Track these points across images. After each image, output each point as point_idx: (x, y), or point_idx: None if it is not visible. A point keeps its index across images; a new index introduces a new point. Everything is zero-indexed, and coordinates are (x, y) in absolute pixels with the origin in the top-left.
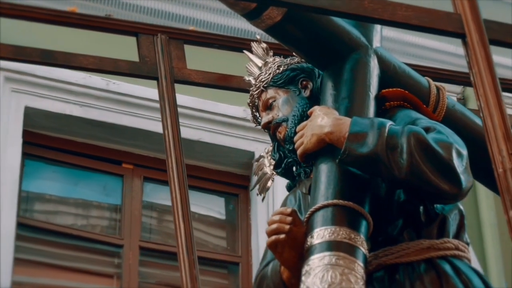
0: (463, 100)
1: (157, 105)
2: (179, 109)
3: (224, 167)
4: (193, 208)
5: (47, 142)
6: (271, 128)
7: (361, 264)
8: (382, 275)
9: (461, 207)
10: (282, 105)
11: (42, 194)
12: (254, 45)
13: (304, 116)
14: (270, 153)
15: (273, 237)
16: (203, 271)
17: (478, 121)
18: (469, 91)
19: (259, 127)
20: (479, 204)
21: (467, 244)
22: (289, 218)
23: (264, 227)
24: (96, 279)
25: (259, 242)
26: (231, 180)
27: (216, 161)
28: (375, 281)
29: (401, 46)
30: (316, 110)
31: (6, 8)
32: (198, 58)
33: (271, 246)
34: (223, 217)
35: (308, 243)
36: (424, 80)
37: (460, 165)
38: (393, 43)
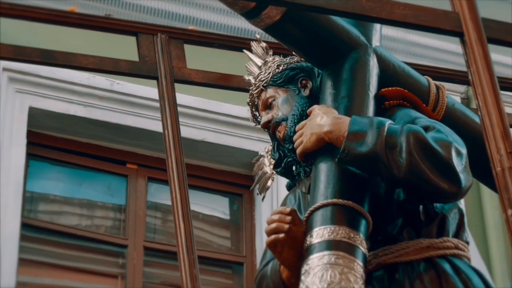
0: (467, 100)
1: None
2: (183, 110)
3: (228, 167)
4: (197, 208)
5: (51, 142)
6: (270, 127)
7: (361, 263)
8: (381, 274)
9: (461, 206)
10: (282, 104)
11: (46, 194)
12: (253, 44)
13: (303, 115)
14: (270, 152)
15: (273, 237)
16: (207, 271)
17: (478, 120)
18: None
19: (259, 126)
20: (483, 204)
21: (467, 243)
22: (289, 218)
23: None
24: (100, 279)
25: (264, 242)
26: (235, 180)
27: (220, 161)
28: (374, 280)
29: (403, 46)
30: (316, 109)
31: (6, 8)
32: (198, 58)
33: (271, 245)
34: (227, 217)
35: (308, 242)
36: (423, 79)
37: (460, 164)
38: (395, 43)
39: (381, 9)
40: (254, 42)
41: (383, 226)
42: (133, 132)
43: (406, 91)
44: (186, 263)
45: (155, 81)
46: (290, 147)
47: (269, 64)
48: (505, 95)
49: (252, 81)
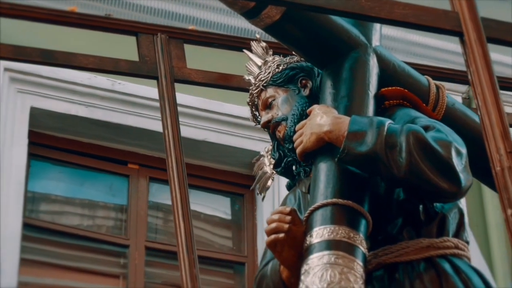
0: (468, 100)
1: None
2: (185, 110)
3: (230, 167)
4: (199, 208)
5: (53, 142)
6: (270, 127)
7: (361, 263)
8: (381, 274)
9: (461, 205)
10: (282, 104)
11: (48, 194)
12: (253, 44)
13: (303, 115)
14: (270, 152)
15: (272, 236)
16: (209, 271)
17: (478, 119)
18: None
19: (259, 126)
20: (484, 204)
21: (467, 242)
22: (288, 217)
23: None
24: (102, 280)
25: (265, 242)
26: (237, 180)
27: (222, 161)
28: (374, 280)
29: (403, 45)
30: (315, 108)
31: (6, 8)
32: (198, 58)
33: (270, 245)
34: (228, 217)
35: (307, 242)
36: (423, 78)
37: (459, 163)
38: (396, 42)
39: (380, 8)
40: (254, 42)
41: (383, 226)
42: (135, 132)
43: (406, 90)
44: (186, 262)
45: (156, 81)
46: (290, 147)
47: (269, 63)
48: (504, 94)
49: (252, 80)
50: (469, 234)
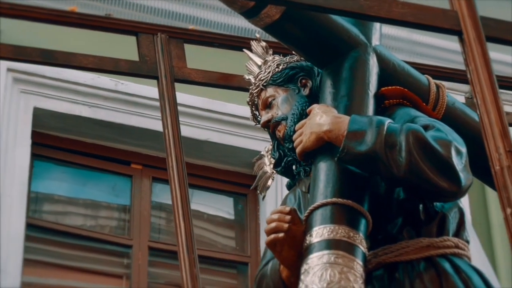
0: (471, 99)
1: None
2: (187, 110)
3: (233, 167)
4: (202, 208)
5: (56, 142)
6: (270, 126)
7: (360, 263)
8: (381, 273)
9: (461, 205)
10: (282, 103)
11: (51, 194)
12: (253, 43)
13: (303, 115)
14: (270, 151)
15: (272, 236)
16: (212, 271)
17: (478, 118)
18: None
19: (259, 125)
20: (488, 203)
21: (467, 242)
22: (288, 217)
23: None
24: (105, 280)
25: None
26: (240, 180)
27: (225, 161)
28: (374, 279)
29: (407, 45)
30: (315, 108)
31: (6, 8)
32: (198, 57)
33: (270, 245)
34: (232, 217)
35: (307, 241)
36: (423, 78)
37: (459, 163)
38: (399, 42)
39: (379, 7)
40: (254, 41)
41: (383, 225)
42: (138, 132)
43: (406, 90)
44: (186, 262)
45: (156, 81)
46: (290, 146)
47: (269, 63)
48: (504, 93)
49: (252, 80)
50: (472, 233)
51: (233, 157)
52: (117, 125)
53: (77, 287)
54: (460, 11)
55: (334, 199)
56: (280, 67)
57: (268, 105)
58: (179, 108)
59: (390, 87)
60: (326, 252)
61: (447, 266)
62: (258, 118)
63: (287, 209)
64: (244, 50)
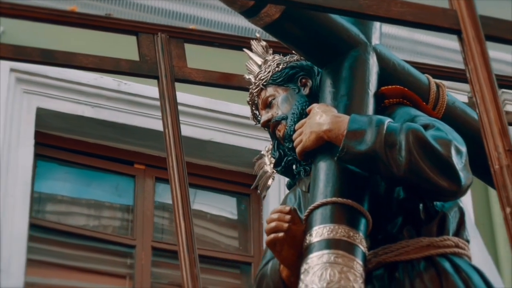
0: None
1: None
2: (191, 110)
3: (236, 167)
4: (205, 208)
5: (59, 143)
6: (270, 126)
7: (360, 262)
8: (381, 273)
9: (461, 204)
10: (282, 103)
11: (54, 195)
12: (253, 43)
13: (303, 114)
14: (270, 151)
15: (272, 236)
16: (215, 271)
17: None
18: None
19: (259, 125)
20: (491, 203)
21: (467, 241)
22: (288, 216)
23: None
24: (108, 280)
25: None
26: (243, 180)
27: (228, 161)
28: (374, 279)
29: (410, 44)
30: (315, 107)
31: (6, 8)
32: (198, 57)
33: (270, 244)
34: (235, 217)
35: (307, 241)
36: (423, 77)
37: (459, 162)
38: (401, 41)
39: (378, 7)
40: (254, 41)
41: (383, 225)
42: (141, 132)
43: (406, 89)
44: (186, 262)
45: (156, 81)
46: (290, 146)
47: (269, 63)
48: (506, 93)
49: (252, 80)
50: (475, 233)
51: (236, 157)
52: (120, 125)
53: (80, 287)
54: (460, 10)
55: (334, 199)
56: (280, 66)
57: (268, 105)
58: (182, 108)
59: (390, 86)
60: (326, 251)
61: (447, 265)
62: (258, 118)
63: (287, 208)
64: (244, 49)
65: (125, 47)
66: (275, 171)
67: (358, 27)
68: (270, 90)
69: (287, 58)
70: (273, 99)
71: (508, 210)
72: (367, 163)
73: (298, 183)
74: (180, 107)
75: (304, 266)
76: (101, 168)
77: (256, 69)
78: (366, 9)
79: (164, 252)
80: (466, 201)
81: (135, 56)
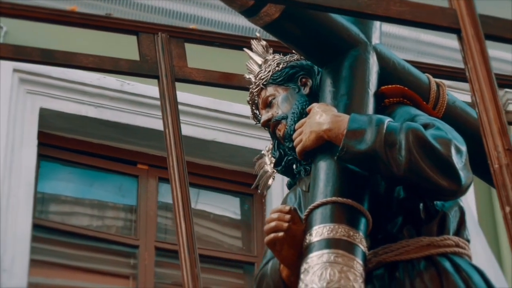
0: None
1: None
2: (194, 110)
3: (239, 167)
4: (208, 209)
5: (62, 143)
6: (270, 125)
7: (360, 262)
8: (382, 272)
9: (462, 204)
10: (282, 102)
11: (57, 195)
12: (254, 42)
13: (303, 114)
14: (270, 151)
15: (272, 235)
16: (218, 271)
17: None
18: None
19: (259, 124)
20: (494, 202)
21: (468, 241)
22: (288, 216)
23: None
24: (111, 280)
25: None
26: (246, 180)
27: (231, 161)
28: (375, 279)
29: (414, 44)
30: (315, 107)
31: (7, 8)
32: (199, 57)
33: (270, 244)
34: (238, 217)
35: (307, 240)
36: (424, 76)
37: (459, 161)
38: (405, 41)
39: (377, 6)
40: (254, 40)
41: (383, 224)
42: (144, 132)
43: (406, 88)
44: (187, 262)
45: (157, 80)
46: (290, 146)
47: (269, 62)
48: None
49: (252, 79)
50: (479, 232)
51: (239, 157)
52: (123, 125)
53: (83, 287)
54: (459, 9)
55: (334, 198)
56: (280, 66)
57: (268, 104)
58: (186, 108)
59: (390, 86)
60: (326, 251)
61: (447, 265)
62: (259, 117)
63: (287, 208)
64: (245, 49)
65: (125, 47)
66: (275, 171)
67: (358, 26)
68: (270, 90)
69: (287, 57)
70: (273, 98)
71: (507, 209)
72: (367, 163)
73: (298, 182)
74: (183, 107)
75: (304, 266)
76: (104, 168)
77: (256, 68)
78: (365, 8)
79: (167, 252)
80: (469, 200)
81: (135, 56)
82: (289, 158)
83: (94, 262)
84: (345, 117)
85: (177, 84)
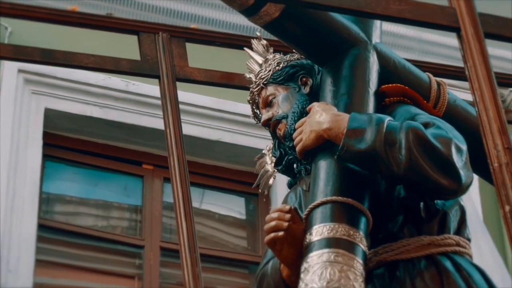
0: None
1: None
2: (198, 110)
3: (244, 167)
4: (213, 208)
5: (67, 143)
6: (271, 125)
7: (360, 261)
8: (382, 272)
9: (462, 203)
10: (282, 102)
11: (62, 195)
12: (254, 42)
13: (304, 113)
14: (271, 150)
15: (272, 235)
16: (223, 271)
17: None
18: None
19: (260, 124)
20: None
21: (469, 240)
22: (288, 215)
23: None
24: (117, 280)
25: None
26: (251, 180)
27: (236, 161)
28: (375, 278)
29: (418, 44)
30: (315, 106)
31: (7, 8)
32: (200, 56)
33: (270, 243)
34: (243, 217)
35: (307, 240)
36: (424, 75)
37: (460, 160)
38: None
39: (376, 4)
40: (254, 39)
41: (384, 224)
42: (149, 132)
43: (406, 87)
44: (188, 261)
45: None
46: (290, 145)
47: (269, 61)
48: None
49: (253, 78)
50: (484, 230)
51: (244, 157)
52: (128, 125)
53: (88, 287)
54: (458, 8)
55: (334, 198)
56: (281, 65)
57: (268, 104)
58: (190, 108)
59: (390, 85)
60: (326, 250)
61: (448, 264)
62: (259, 117)
63: (287, 207)
64: (245, 48)
65: (126, 47)
66: (276, 170)
67: (358, 25)
68: (270, 89)
69: (288, 57)
70: (274, 98)
71: (507, 208)
72: (367, 162)
73: (299, 182)
74: (188, 107)
75: (304, 265)
76: (109, 169)
77: (256, 68)
78: (364, 7)
79: (172, 252)
80: (475, 199)
81: (136, 56)
82: (290, 157)
83: (99, 262)
84: (345, 116)
85: (183, 84)
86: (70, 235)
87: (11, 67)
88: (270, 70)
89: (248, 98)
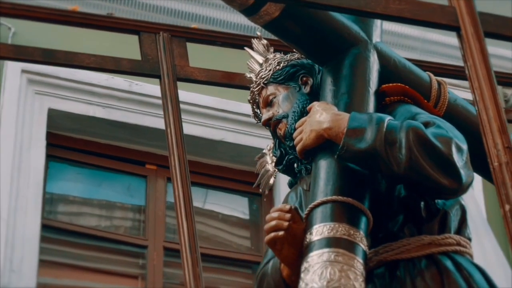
0: None
1: (182, 106)
2: (202, 110)
3: (247, 167)
4: (217, 208)
5: (71, 143)
6: (271, 124)
7: (361, 261)
8: (382, 271)
9: (463, 202)
10: (282, 101)
11: (66, 195)
12: (254, 41)
13: (304, 112)
14: (271, 150)
15: (272, 234)
16: (227, 271)
17: None
18: None
19: (260, 123)
20: None
21: (469, 239)
22: (288, 215)
23: None
24: (120, 280)
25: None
26: (255, 180)
27: (239, 161)
28: (376, 277)
29: (420, 43)
30: (315, 105)
31: (7, 8)
32: (200, 56)
33: (270, 243)
34: (246, 217)
35: (307, 239)
36: (425, 74)
37: (460, 159)
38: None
39: (376, 4)
40: (255, 39)
41: (384, 223)
42: (152, 132)
43: (407, 87)
44: (189, 261)
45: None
46: (290, 145)
47: (270, 61)
48: None
49: (253, 78)
50: (488, 229)
51: (247, 157)
52: (131, 125)
53: (92, 287)
54: (458, 7)
55: (334, 197)
56: (281, 65)
57: (269, 103)
58: (193, 108)
59: (391, 84)
60: (326, 250)
61: (448, 263)
62: (260, 116)
63: (287, 207)
64: (245, 48)
65: (127, 46)
66: (276, 170)
67: (359, 24)
68: (271, 89)
69: (288, 56)
70: (274, 97)
71: (507, 207)
72: (367, 161)
73: (299, 181)
74: (191, 107)
75: (305, 265)
76: (112, 169)
77: (257, 67)
78: (364, 6)
79: (176, 252)
80: (478, 198)
81: (137, 56)
82: (290, 157)
83: (103, 262)
84: (345, 116)
85: (186, 85)
86: (74, 235)
87: (14, 67)
88: (270, 70)
89: (249, 97)
